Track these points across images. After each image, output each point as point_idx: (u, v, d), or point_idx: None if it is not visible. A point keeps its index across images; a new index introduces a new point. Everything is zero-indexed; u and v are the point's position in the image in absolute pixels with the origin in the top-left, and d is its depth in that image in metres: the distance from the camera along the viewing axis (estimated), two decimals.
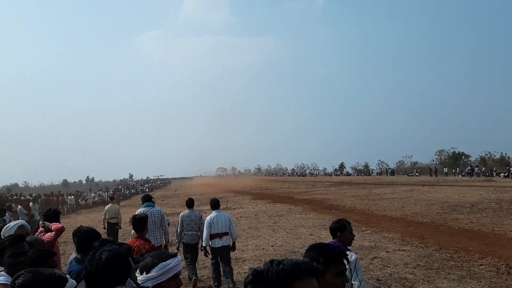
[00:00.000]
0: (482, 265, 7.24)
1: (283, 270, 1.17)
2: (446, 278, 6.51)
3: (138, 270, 2.01)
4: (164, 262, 1.97)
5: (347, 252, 2.44)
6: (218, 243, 6.53)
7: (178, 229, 7.24)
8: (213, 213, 6.71)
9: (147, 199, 7.22)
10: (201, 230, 6.98)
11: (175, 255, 2.05)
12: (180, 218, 7.29)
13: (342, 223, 3.34)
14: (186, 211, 7.28)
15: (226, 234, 6.62)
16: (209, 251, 6.71)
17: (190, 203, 7.45)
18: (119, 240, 8.81)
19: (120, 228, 11.50)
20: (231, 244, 6.77)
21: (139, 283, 1.99)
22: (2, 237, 3.44)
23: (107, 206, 11.73)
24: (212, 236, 6.54)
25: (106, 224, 11.31)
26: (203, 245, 6.74)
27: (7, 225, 3.52)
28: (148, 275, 1.96)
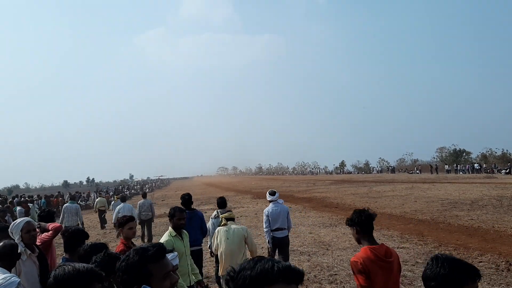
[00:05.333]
0: (481, 262, 7.20)
1: (249, 277, 1.07)
2: None
3: None
4: None
5: None
6: None
7: (137, 211, 11.53)
8: (121, 204, 10.65)
9: (72, 198, 13.25)
10: (152, 211, 11.79)
11: (170, 251, 1.98)
12: (138, 204, 11.86)
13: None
14: (141, 200, 11.80)
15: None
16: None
17: (144, 195, 12.54)
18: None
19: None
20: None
21: None
22: (10, 234, 3.56)
23: (97, 199, 18.48)
24: None
25: (97, 210, 16.81)
26: (113, 223, 11.13)
27: (14, 222, 3.66)
28: None
